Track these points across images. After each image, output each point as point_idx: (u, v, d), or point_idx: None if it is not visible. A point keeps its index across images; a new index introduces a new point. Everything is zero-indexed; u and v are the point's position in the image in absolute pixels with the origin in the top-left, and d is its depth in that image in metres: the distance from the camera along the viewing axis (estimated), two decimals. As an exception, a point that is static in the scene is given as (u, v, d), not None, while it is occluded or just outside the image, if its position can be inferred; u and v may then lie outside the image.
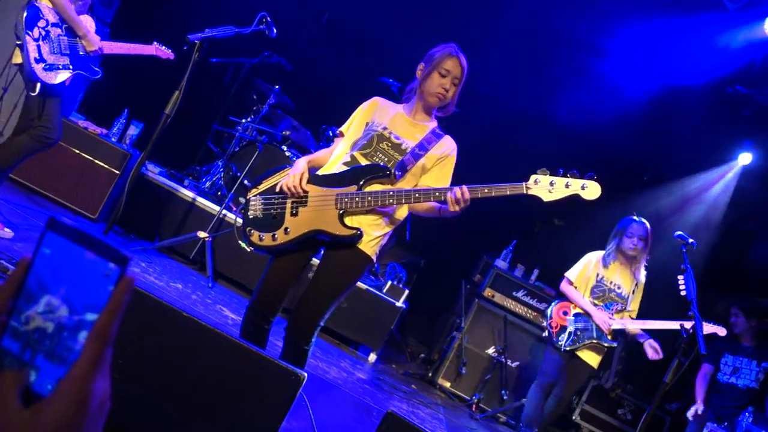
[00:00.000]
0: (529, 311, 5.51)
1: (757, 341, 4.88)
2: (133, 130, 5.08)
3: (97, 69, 3.67)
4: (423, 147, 2.67)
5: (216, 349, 2.02)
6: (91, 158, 4.74)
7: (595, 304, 4.28)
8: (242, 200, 5.11)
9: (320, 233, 2.58)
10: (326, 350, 4.67)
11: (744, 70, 5.70)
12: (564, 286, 4.42)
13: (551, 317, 4.43)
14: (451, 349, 5.42)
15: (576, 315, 4.33)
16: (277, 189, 2.65)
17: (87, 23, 3.57)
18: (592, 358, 4.28)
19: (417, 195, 2.53)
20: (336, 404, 3.73)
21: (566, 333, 4.31)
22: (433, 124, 2.76)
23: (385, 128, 2.67)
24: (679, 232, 3.43)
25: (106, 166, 4.76)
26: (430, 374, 5.44)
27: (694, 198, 6.55)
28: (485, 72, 5.71)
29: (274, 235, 2.61)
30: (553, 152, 6.19)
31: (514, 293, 5.54)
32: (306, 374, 2.10)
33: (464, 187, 2.45)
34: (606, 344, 4.23)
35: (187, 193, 5.13)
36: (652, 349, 4.11)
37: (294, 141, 5.70)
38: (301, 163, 2.68)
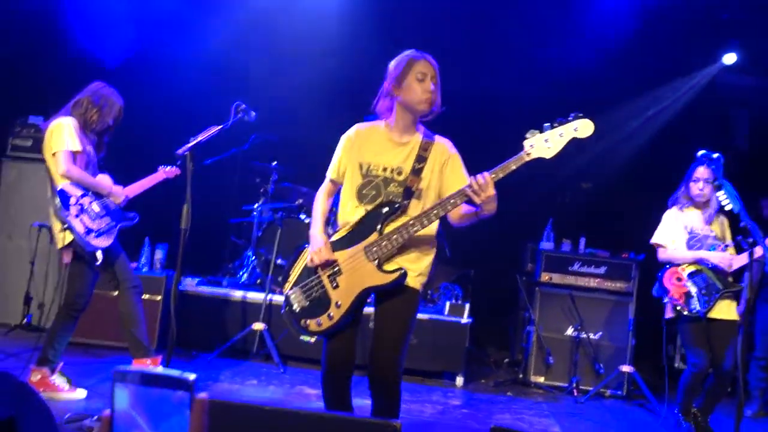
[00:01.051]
0: (591, 279, 5.42)
1: None
2: (159, 254, 5.21)
3: (131, 215, 3.97)
4: (420, 159, 2.64)
5: (301, 428, 2.03)
6: (131, 294, 4.84)
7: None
8: (274, 299, 5.17)
9: (368, 290, 2.59)
10: (413, 391, 4.64)
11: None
12: (662, 254, 4.06)
13: (668, 291, 3.97)
14: (531, 344, 5.35)
15: (690, 275, 3.95)
16: (309, 264, 2.65)
17: (105, 181, 3.84)
18: (729, 311, 3.88)
19: (435, 211, 2.50)
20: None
21: (694, 297, 3.90)
22: (420, 133, 2.71)
23: (384, 169, 2.64)
24: (702, 152, 3.37)
25: (147, 297, 4.86)
26: (520, 376, 5.36)
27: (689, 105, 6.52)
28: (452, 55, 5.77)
29: (329, 315, 2.59)
30: (544, 104, 6.18)
31: (570, 268, 5.47)
32: (400, 422, 2.10)
33: (478, 176, 2.41)
34: (736, 288, 3.87)
35: (230, 292, 5.21)
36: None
37: (309, 206, 5.78)
38: (317, 233, 2.67)
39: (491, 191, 2.39)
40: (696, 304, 3.87)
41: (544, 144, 2.42)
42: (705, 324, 3.87)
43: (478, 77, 6.27)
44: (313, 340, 2.67)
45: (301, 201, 5.78)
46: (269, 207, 5.82)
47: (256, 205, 5.86)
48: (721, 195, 3.15)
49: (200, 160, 5.86)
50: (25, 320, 5.05)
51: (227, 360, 4.89)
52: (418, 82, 2.59)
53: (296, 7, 6.21)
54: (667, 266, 4.04)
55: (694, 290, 3.90)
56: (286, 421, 2.03)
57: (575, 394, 5.01)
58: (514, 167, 2.44)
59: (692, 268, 3.96)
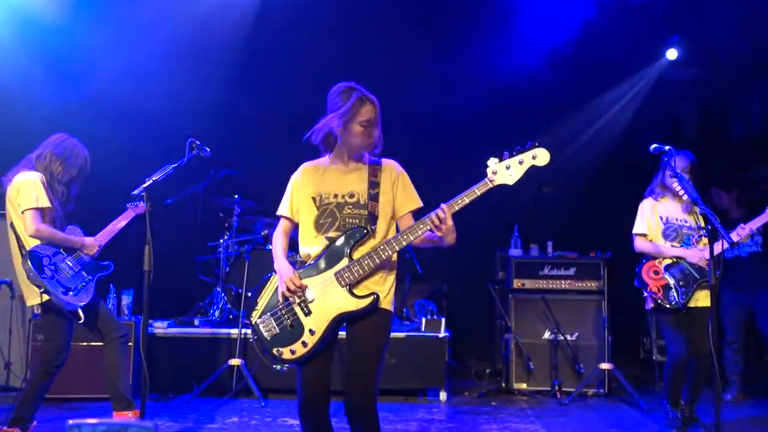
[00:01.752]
0: (562, 281, 5.48)
1: (744, 209, 4.90)
2: (126, 300, 5.10)
3: (105, 263, 3.92)
4: (373, 185, 2.70)
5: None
6: (100, 344, 4.70)
7: (675, 247, 4.04)
8: (248, 333, 5.10)
9: (341, 316, 2.59)
10: (397, 410, 4.59)
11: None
12: (639, 244, 4.12)
13: (647, 284, 4.02)
14: (510, 352, 5.36)
15: (666, 267, 4.01)
16: (280, 299, 2.63)
17: (75, 233, 3.80)
18: (705, 299, 3.95)
19: (405, 236, 2.57)
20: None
21: (673, 289, 3.96)
22: (366, 158, 2.77)
23: (335, 195, 2.69)
24: (654, 145, 3.46)
25: (141, 344, 4.73)
26: (503, 384, 5.36)
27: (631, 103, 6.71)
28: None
29: (303, 342, 2.58)
30: (497, 116, 6.30)
31: (540, 273, 5.52)
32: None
33: (438, 210, 2.51)
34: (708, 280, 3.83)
35: (202, 331, 5.13)
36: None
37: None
38: (283, 266, 2.67)
39: (449, 223, 2.51)
40: (675, 296, 3.92)
41: (506, 171, 2.57)
42: (683, 313, 3.92)
43: (426, 94, 6.36)
44: (286, 368, 2.63)
45: (266, 232, 5.74)
46: (235, 241, 5.76)
47: (221, 241, 5.79)
48: (677, 186, 3.23)
49: (161, 200, 5.81)
50: (-8, 382, 4.86)
51: (207, 399, 4.78)
52: (362, 128, 2.65)
53: (245, 37, 6.25)
54: (644, 260, 4.09)
55: (672, 282, 3.95)
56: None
57: (558, 396, 5.03)
58: (478, 193, 2.57)
59: (668, 261, 4.01)
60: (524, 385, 5.28)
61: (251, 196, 6.05)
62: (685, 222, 4.06)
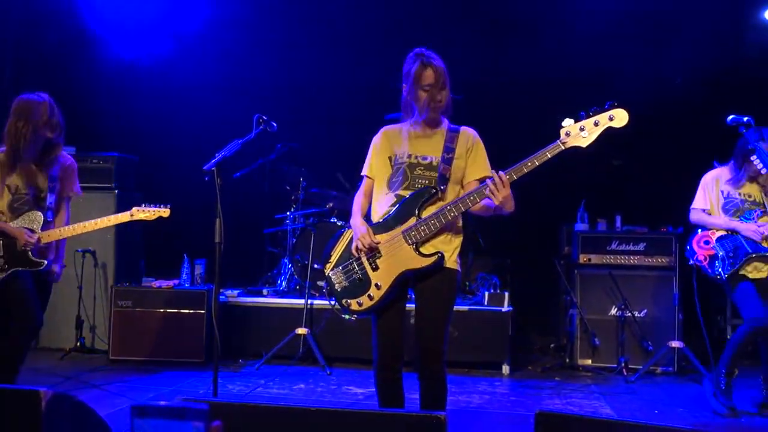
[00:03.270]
0: (631, 257, 5.33)
1: None
2: (199, 270, 5.33)
3: (37, 261, 3.48)
4: (449, 149, 2.75)
5: (349, 427, 2.07)
6: (175, 310, 4.98)
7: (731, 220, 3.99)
8: (320, 284, 5.24)
9: (408, 273, 2.68)
10: (460, 383, 4.64)
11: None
12: (694, 215, 4.13)
13: (695, 252, 4.09)
14: (575, 328, 5.29)
15: (719, 239, 4.01)
16: (354, 252, 2.73)
17: (32, 221, 3.49)
18: (761, 272, 3.92)
19: (472, 197, 2.61)
20: (492, 428, 3.69)
21: (718, 260, 3.98)
22: (445, 124, 2.82)
23: (409, 155, 2.76)
24: (731, 116, 3.30)
25: (191, 311, 4.98)
26: (567, 360, 5.31)
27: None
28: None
29: (369, 295, 2.71)
30: (577, 96, 6.10)
31: (608, 248, 5.39)
32: (445, 414, 2.12)
33: (495, 177, 2.52)
34: (763, 254, 3.88)
35: (270, 300, 5.31)
36: None
37: (339, 209, 5.83)
38: (358, 223, 2.77)
39: (507, 191, 2.51)
40: (720, 267, 3.94)
41: (579, 133, 2.51)
42: (735, 280, 3.89)
43: (498, 63, 6.25)
44: (354, 318, 2.76)
45: (331, 204, 5.84)
46: (301, 213, 5.89)
47: (288, 213, 5.94)
48: (755, 159, 3.09)
49: (230, 174, 5.99)
50: (79, 343, 5.21)
51: (275, 366, 4.96)
52: (425, 91, 2.70)
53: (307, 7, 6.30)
54: (699, 230, 4.09)
55: (720, 253, 3.97)
56: (323, 419, 2.07)
57: (625, 373, 4.94)
58: (549, 156, 2.53)
59: (722, 233, 4.00)
60: (589, 361, 5.22)
61: (317, 168, 6.16)
62: (749, 197, 3.97)
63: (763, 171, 3.05)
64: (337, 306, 2.77)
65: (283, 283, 5.75)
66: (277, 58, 6.50)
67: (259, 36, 6.39)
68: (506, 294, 5.18)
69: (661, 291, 5.23)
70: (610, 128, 2.50)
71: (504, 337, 5.02)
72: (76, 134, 6.09)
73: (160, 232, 6.07)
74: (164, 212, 3.75)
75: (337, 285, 2.77)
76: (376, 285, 2.69)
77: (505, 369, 5.01)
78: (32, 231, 3.47)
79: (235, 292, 5.47)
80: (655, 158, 6.36)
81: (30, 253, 3.45)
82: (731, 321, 5.77)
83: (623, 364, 5.01)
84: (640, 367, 4.96)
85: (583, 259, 5.42)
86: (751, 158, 3.06)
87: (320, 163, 6.29)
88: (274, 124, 3.60)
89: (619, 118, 2.48)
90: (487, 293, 5.22)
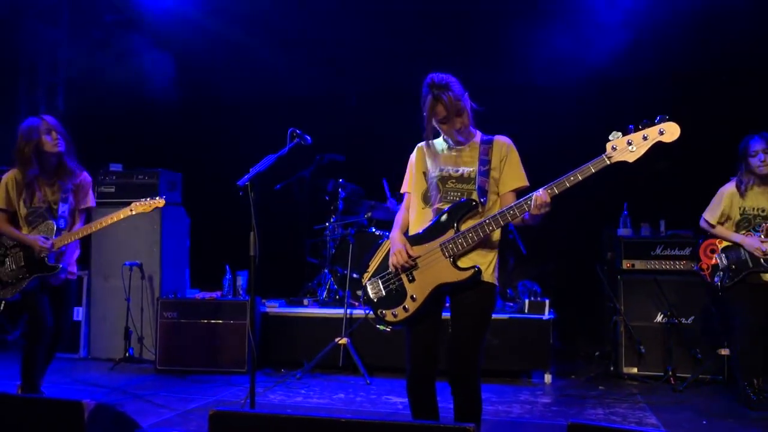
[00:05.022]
0: (676, 262, 5.19)
1: None
2: (240, 281, 5.44)
3: (53, 265, 3.81)
4: (484, 162, 2.73)
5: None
6: (218, 321, 5.09)
7: (738, 233, 4.15)
8: (359, 293, 5.27)
9: (444, 286, 2.67)
10: (500, 392, 4.59)
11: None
12: (703, 223, 4.30)
13: (700, 259, 4.31)
14: (619, 335, 5.17)
15: (724, 249, 4.18)
16: (391, 268, 2.75)
17: (45, 231, 3.83)
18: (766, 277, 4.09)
19: (512, 212, 2.57)
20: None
21: (720, 271, 4.18)
22: (478, 136, 2.81)
23: (441, 169, 2.77)
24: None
25: (234, 322, 5.08)
26: (612, 368, 5.19)
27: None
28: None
29: (405, 307, 2.71)
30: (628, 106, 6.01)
31: (651, 253, 5.26)
32: (473, 425, 2.11)
33: (538, 196, 2.49)
34: (765, 270, 4.03)
35: (310, 311, 5.38)
36: None
37: (378, 219, 5.87)
38: (397, 238, 2.78)
39: (547, 208, 2.49)
40: (720, 278, 4.15)
41: (627, 147, 2.42)
42: (738, 289, 4.09)
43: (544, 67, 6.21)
44: (389, 329, 2.77)
45: (369, 214, 5.87)
46: (340, 223, 5.96)
47: (327, 224, 6.01)
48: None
49: (270, 186, 6.11)
50: (127, 353, 5.38)
51: (317, 375, 5.02)
52: (438, 120, 2.72)
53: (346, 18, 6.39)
54: (706, 237, 4.28)
55: (723, 264, 4.17)
56: (353, 430, 2.09)
57: (672, 382, 4.80)
58: (593, 171, 2.46)
59: (728, 243, 4.17)
60: (634, 370, 5.09)
61: (355, 179, 6.22)
62: (762, 212, 4.08)
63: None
64: (372, 316, 2.79)
65: (324, 293, 5.81)
66: (316, 69, 6.60)
67: (298, 49, 6.50)
68: (547, 301, 5.11)
69: (715, 296, 5.06)
70: (660, 143, 2.40)
71: (545, 345, 4.94)
72: (124, 152, 6.35)
73: (204, 244, 6.28)
74: (159, 203, 3.97)
75: (373, 295, 2.79)
76: (412, 297, 2.69)
77: (548, 378, 4.93)
78: (46, 238, 3.81)
79: (276, 303, 5.56)
80: (700, 161, 6.17)
81: (46, 259, 3.81)
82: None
83: (670, 373, 4.87)
84: (689, 375, 4.81)
85: (626, 264, 5.30)
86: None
87: (358, 174, 6.35)
88: (308, 138, 3.66)
89: (670, 132, 2.37)
90: (527, 301, 5.16)
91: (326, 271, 5.90)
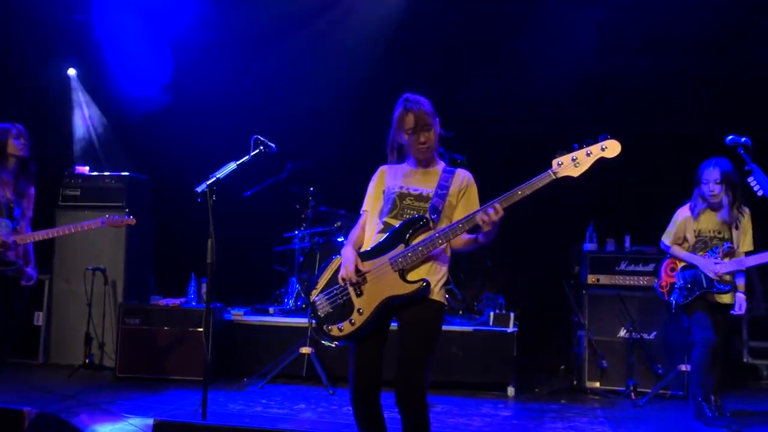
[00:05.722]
0: (640, 278, 5.26)
1: None
2: (205, 288, 5.36)
3: (9, 261, 3.78)
4: (443, 186, 2.78)
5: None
6: (182, 328, 5.03)
7: (694, 254, 4.28)
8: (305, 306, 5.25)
9: (391, 299, 2.66)
10: (462, 404, 4.59)
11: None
12: (662, 245, 4.45)
13: (660, 277, 4.46)
14: (583, 349, 5.21)
15: (683, 269, 4.33)
16: (340, 282, 2.73)
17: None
18: (729, 299, 4.22)
19: (460, 225, 2.61)
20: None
21: (677, 290, 4.32)
22: (441, 165, 2.88)
23: (401, 187, 2.80)
24: (730, 137, 3.26)
25: (198, 329, 5.01)
26: (575, 382, 5.22)
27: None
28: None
29: (351, 320, 2.69)
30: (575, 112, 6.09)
31: (616, 268, 5.32)
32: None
33: (489, 208, 2.55)
34: (718, 291, 4.16)
35: (276, 319, 5.34)
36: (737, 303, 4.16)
37: (348, 228, 5.84)
38: (348, 252, 2.77)
39: (498, 220, 2.55)
40: (675, 297, 4.31)
41: (571, 163, 2.55)
42: (696, 306, 4.24)
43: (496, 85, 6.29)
44: (334, 345, 2.76)
45: (339, 224, 5.86)
46: (309, 232, 5.93)
47: (296, 232, 5.98)
48: (751, 181, 3.04)
49: (240, 193, 6.08)
50: (87, 360, 5.28)
51: (279, 386, 4.97)
52: (410, 135, 2.77)
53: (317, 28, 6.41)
54: (669, 256, 4.43)
55: (679, 283, 4.31)
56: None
57: (633, 397, 4.85)
58: (540, 186, 2.56)
59: (685, 263, 4.32)
60: (597, 384, 5.13)
61: (326, 188, 6.21)
62: (718, 233, 4.23)
63: (759, 193, 3.01)
64: (318, 331, 2.77)
65: (290, 302, 5.78)
66: (287, 77, 6.59)
67: (270, 58, 6.50)
68: (512, 314, 5.13)
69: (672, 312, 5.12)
70: (602, 158, 2.52)
71: (509, 358, 4.96)
72: (91, 156, 6.28)
73: (170, 249, 6.21)
74: (131, 222, 4.09)
75: (320, 311, 2.77)
76: (359, 310, 2.68)
77: (510, 391, 4.94)
78: (7, 234, 3.79)
79: (242, 311, 5.51)
80: (665, 178, 6.26)
81: (5, 254, 3.77)
82: (747, 343, 5.64)
83: (632, 388, 4.91)
84: (649, 390, 4.85)
85: (591, 279, 5.35)
86: (748, 179, 3.01)
87: (329, 183, 6.34)
88: (273, 145, 3.66)
89: (612, 148, 2.51)
90: (492, 313, 5.18)
91: (293, 279, 5.86)
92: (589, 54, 6.01)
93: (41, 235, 3.91)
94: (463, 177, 2.82)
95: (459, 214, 2.75)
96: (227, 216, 6.52)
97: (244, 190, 6.09)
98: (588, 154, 2.51)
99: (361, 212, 2.95)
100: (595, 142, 2.52)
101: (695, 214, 4.29)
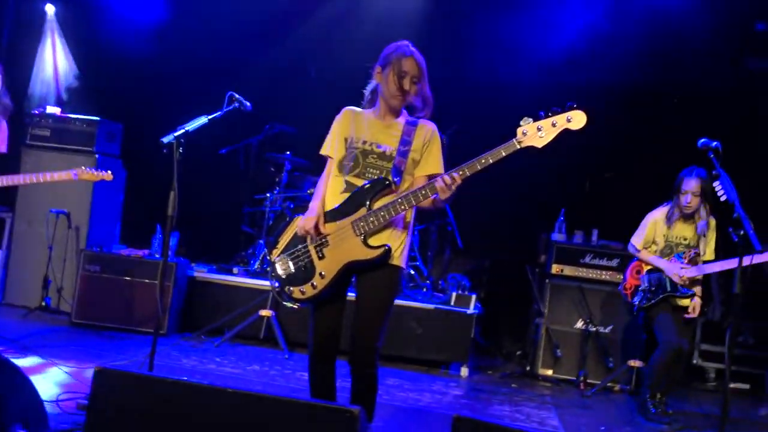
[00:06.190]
0: (603, 272, 5.32)
1: None
2: (171, 242, 5.31)
3: None
4: (406, 142, 2.71)
5: (260, 412, 2.07)
6: (141, 280, 4.99)
7: (660, 258, 4.32)
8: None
9: (353, 264, 2.66)
10: (415, 379, 4.64)
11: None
12: (630, 247, 4.48)
13: (625, 279, 4.50)
14: (540, 337, 5.29)
15: (649, 272, 4.36)
16: (299, 231, 2.70)
17: None
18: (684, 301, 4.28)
19: (424, 191, 2.57)
20: (433, 428, 3.69)
21: (639, 292, 4.36)
22: (405, 116, 2.79)
23: (364, 142, 2.73)
24: (702, 139, 3.28)
25: (158, 282, 4.97)
26: (528, 368, 5.31)
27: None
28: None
29: (312, 284, 2.68)
30: (544, 91, 6.08)
31: (581, 260, 5.37)
32: (358, 408, 2.12)
33: (446, 176, 2.51)
34: (681, 295, 4.21)
35: (239, 279, 5.31)
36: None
37: (320, 195, 5.81)
38: (313, 208, 2.73)
39: (454, 189, 2.51)
40: (638, 299, 4.35)
41: (536, 132, 2.46)
42: (658, 309, 4.28)
43: (475, 64, 6.23)
44: (296, 306, 2.75)
45: (312, 190, 5.79)
46: (281, 196, 5.89)
47: (268, 195, 5.93)
48: (717, 185, 3.08)
49: (215, 150, 6.00)
50: (44, 303, 5.22)
51: (236, 345, 4.98)
52: (399, 78, 2.66)
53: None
54: (636, 258, 4.45)
55: (644, 286, 4.34)
56: (240, 402, 2.07)
57: (582, 387, 4.94)
58: (504, 154, 2.49)
59: (651, 267, 4.35)
60: (549, 372, 5.21)
61: (303, 153, 6.15)
62: (685, 240, 4.28)
63: (722, 198, 3.05)
64: (279, 292, 2.76)
65: (256, 264, 5.74)
66: (267, 37, 6.48)
67: (258, 14, 6.37)
68: (473, 296, 5.16)
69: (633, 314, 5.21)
70: (567, 130, 2.45)
71: (466, 338, 5.00)
72: (58, 98, 6.14)
73: (140, 200, 6.12)
74: (107, 176, 3.91)
75: (281, 271, 2.75)
76: (321, 274, 2.67)
77: (464, 371, 5.00)
78: None
79: (205, 268, 5.47)
80: (640, 176, 6.32)
81: None
82: (699, 346, 5.76)
83: (582, 378, 5.00)
84: (599, 382, 4.95)
85: (555, 269, 5.40)
86: (714, 183, 3.05)
87: (306, 149, 6.27)
88: (248, 104, 3.58)
89: (577, 120, 2.43)
90: (455, 293, 5.21)
91: (261, 242, 5.83)
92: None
93: (6, 180, 3.78)
94: (427, 130, 2.75)
95: (421, 169, 2.72)
96: (202, 172, 6.49)
97: (220, 147, 6.02)
98: (554, 124, 2.44)
99: (327, 159, 2.84)
100: (562, 111, 2.44)
101: (670, 221, 4.31)
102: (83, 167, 3.88)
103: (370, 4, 6.47)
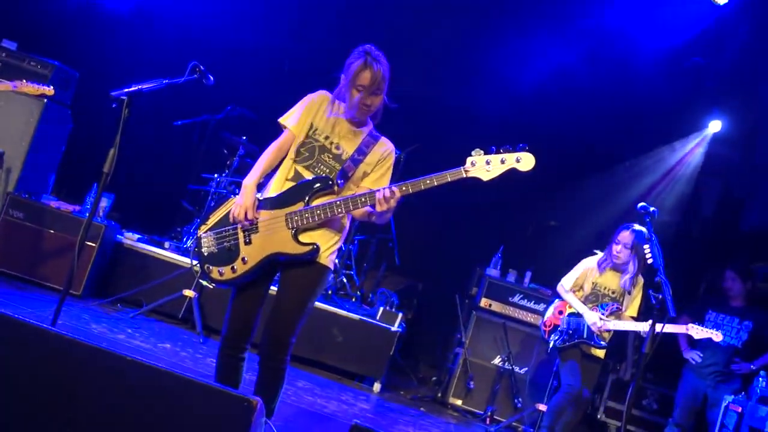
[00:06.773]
0: (528, 314, 5.43)
1: (746, 302, 4.89)
2: (104, 203, 5.15)
3: None
4: (362, 152, 2.71)
5: (155, 385, 2.01)
6: (63, 235, 4.79)
7: (583, 305, 4.39)
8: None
9: (278, 256, 2.62)
10: (327, 386, 4.60)
11: (698, 40, 5.72)
12: (559, 287, 4.54)
13: (547, 317, 4.56)
14: (456, 366, 5.34)
15: (570, 314, 4.44)
16: (230, 218, 2.65)
17: None
18: (601, 353, 4.37)
19: (363, 199, 2.56)
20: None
21: (557, 332, 4.43)
22: (369, 127, 2.79)
23: (327, 137, 2.69)
24: (642, 204, 3.40)
25: (78, 238, 4.79)
26: (439, 395, 5.34)
27: (672, 170, 6.54)
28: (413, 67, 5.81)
29: (233, 267, 2.64)
30: (503, 123, 6.21)
31: (510, 299, 5.47)
32: (258, 400, 2.08)
33: (386, 189, 2.50)
34: (594, 345, 4.29)
35: (168, 254, 5.16)
36: None
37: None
38: (247, 189, 2.66)
39: (392, 204, 2.50)
40: (554, 338, 4.43)
41: (484, 165, 2.48)
42: (568, 354, 4.35)
43: (447, 86, 6.32)
44: (212, 286, 2.68)
45: (261, 181, 5.74)
46: (228, 180, 5.79)
47: (215, 176, 5.82)
48: (646, 248, 3.20)
49: (170, 120, 5.86)
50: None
51: (151, 320, 4.84)
52: (358, 91, 2.64)
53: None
54: (561, 298, 4.53)
55: (562, 327, 4.41)
56: (144, 374, 2.00)
57: (487, 422, 5.00)
58: (449, 179, 2.50)
59: (574, 310, 4.42)
60: (459, 402, 5.26)
61: (259, 141, 6.06)
62: (612, 293, 4.38)
63: (649, 261, 3.18)
64: (198, 269, 2.70)
65: (189, 242, 5.61)
66: (263, 27, 6.41)
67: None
68: (400, 315, 5.17)
69: (547, 355, 5.32)
70: (514, 170, 2.48)
71: (385, 355, 5.00)
72: (24, 32, 5.88)
73: (82, 155, 5.90)
74: (48, 91, 3.76)
75: (205, 249, 2.70)
76: (243, 259, 2.63)
77: (377, 386, 4.99)
78: None
79: (136, 236, 5.31)
80: (582, 230, 6.51)
81: None
82: (605, 402, 5.92)
83: (489, 414, 5.06)
84: (504, 420, 5.02)
85: (484, 303, 5.48)
86: (643, 246, 3.16)
87: (264, 138, 6.19)
88: (211, 78, 3.51)
89: (525, 162, 2.46)
90: (382, 308, 5.21)
91: (198, 220, 5.70)
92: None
93: None
94: (385, 149, 2.75)
95: (368, 184, 2.71)
96: (153, 140, 6.32)
97: (176, 118, 5.88)
98: (502, 161, 2.46)
99: (284, 128, 2.74)
100: (513, 150, 2.46)
101: (601, 269, 4.41)
102: (24, 80, 3.70)
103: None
